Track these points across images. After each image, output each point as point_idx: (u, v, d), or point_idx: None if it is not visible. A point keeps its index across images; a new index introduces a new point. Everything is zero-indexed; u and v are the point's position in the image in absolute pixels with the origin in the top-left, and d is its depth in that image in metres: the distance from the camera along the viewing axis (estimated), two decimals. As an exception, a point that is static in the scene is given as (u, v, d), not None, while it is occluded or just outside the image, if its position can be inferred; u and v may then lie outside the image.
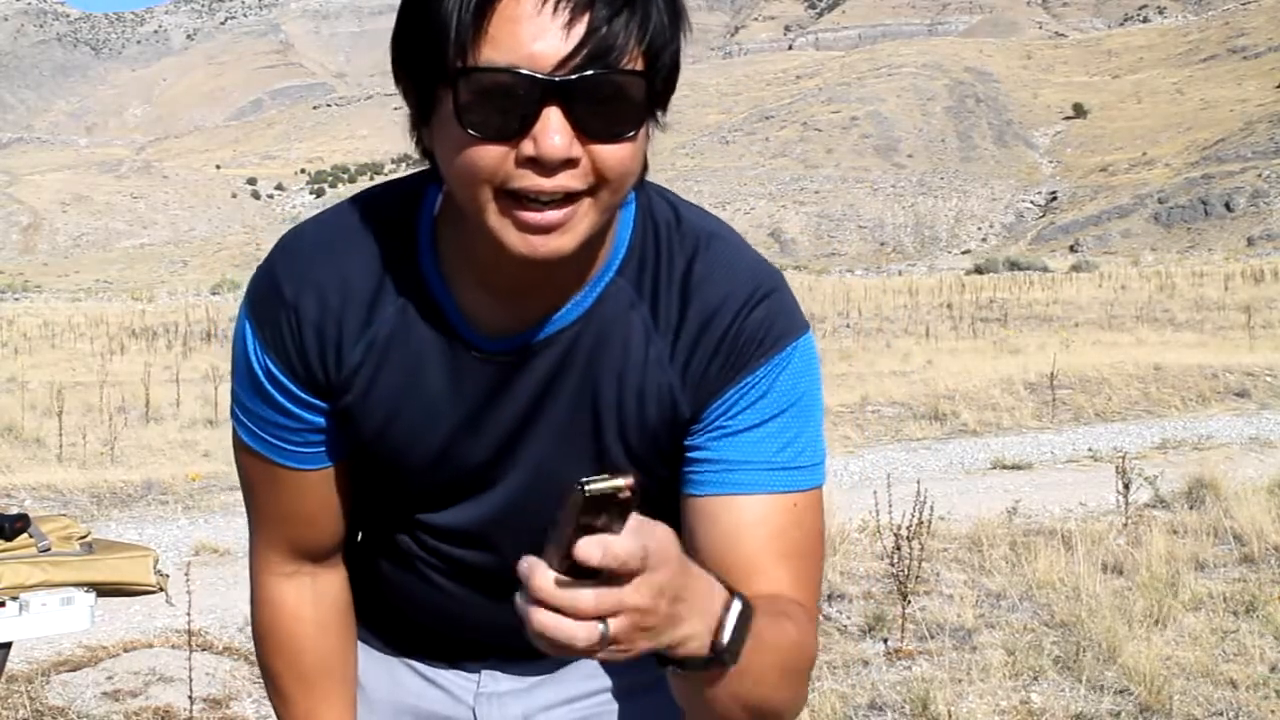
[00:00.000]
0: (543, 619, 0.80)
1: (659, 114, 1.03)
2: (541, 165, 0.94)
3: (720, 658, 0.91)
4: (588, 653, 0.82)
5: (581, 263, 1.08)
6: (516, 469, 1.15)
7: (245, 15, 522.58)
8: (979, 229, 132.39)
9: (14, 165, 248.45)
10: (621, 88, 0.95)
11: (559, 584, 0.80)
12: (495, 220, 0.98)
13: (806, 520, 1.10)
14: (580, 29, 0.93)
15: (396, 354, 1.12)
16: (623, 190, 1.01)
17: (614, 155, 0.96)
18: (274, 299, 1.13)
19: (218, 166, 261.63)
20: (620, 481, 0.79)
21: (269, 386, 1.15)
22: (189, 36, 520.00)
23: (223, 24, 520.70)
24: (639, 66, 0.96)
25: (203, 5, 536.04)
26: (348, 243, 1.13)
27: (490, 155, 0.95)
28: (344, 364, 1.13)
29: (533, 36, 0.93)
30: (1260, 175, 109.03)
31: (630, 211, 1.13)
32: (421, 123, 1.03)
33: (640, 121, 0.98)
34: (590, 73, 0.93)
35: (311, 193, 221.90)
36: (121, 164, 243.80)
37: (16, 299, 67.54)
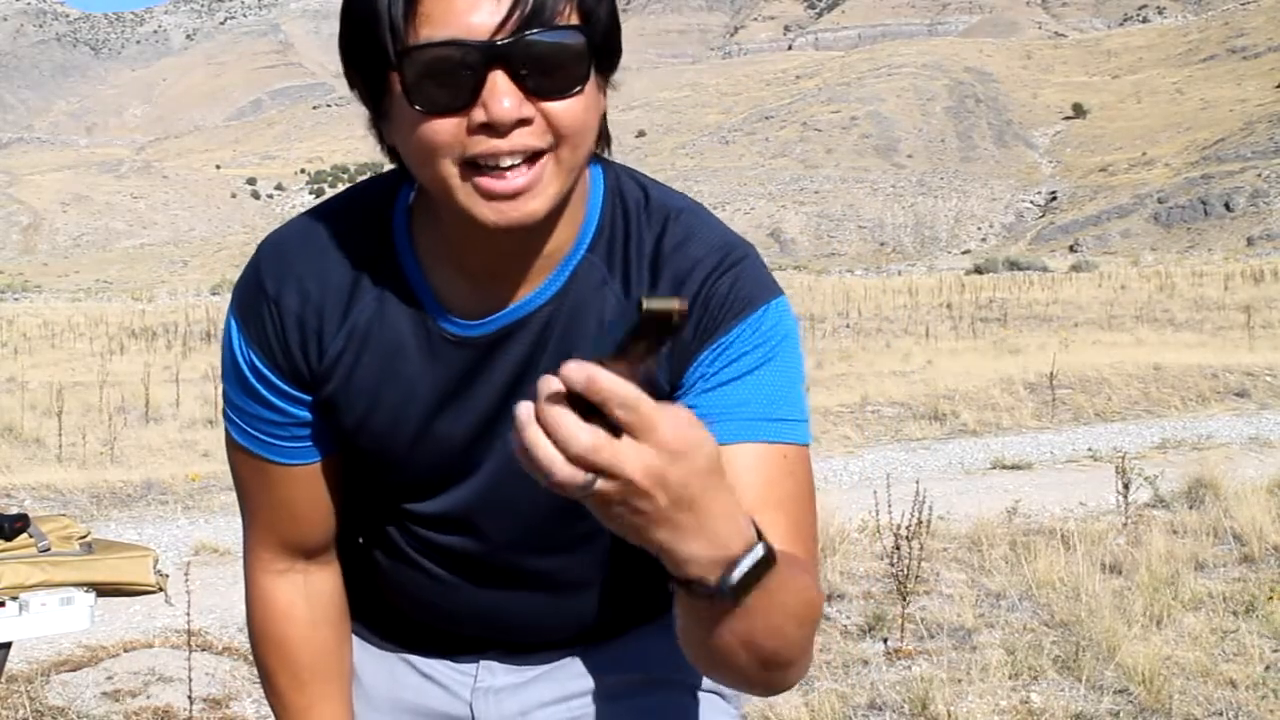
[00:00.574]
0: (533, 437, 0.77)
1: (608, 72, 1.05)
2: (495, 129, 0.96)
3: (723, 594, 0.87)
4: (563, 489, 0.78)
5: (552, 241, 1.09)
6: (496, 451, 1.16)
7: (245, 15, 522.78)
8: (979, 229, 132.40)
9: (14, 165, 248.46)
10: (561, 43, 0.97)
11: (563, 403, 0.76)
12: (463, 195, 0.99)
13: (799, 473, 1.09)
14: None
15: (375, 342, 1.14)
16: (582, 147, 1.02)
17: (566, 111, 0.98)
18: (257, 295, 1.16)
19: (218, 166, 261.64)
20: (675, 302, 0.73)
21: (254, 382, 1.17)
22: (189, 36, 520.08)
23: (223, 24, 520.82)
24: (575, 20, 0.99)
25: (203, 5, 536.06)
26: (326, 237, 1.16)
27: (444, 128, 0.98)
28: (325, 354, 1.15)
29: (466, 8, 0.96)
30: (1260, 175, 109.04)
31: (599, 191, 1.14)
32: (379, 118, 1.05)
33: (585, 75, 0.99)
34: (527, 33, 0.96)
35: (311, 193, 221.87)
36: (121, 164, 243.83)
37: (16, 299, 67.58)
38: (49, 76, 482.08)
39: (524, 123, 0.97)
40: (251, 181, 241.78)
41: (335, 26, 1.06)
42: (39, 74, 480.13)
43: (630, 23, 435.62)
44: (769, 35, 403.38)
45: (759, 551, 0.87)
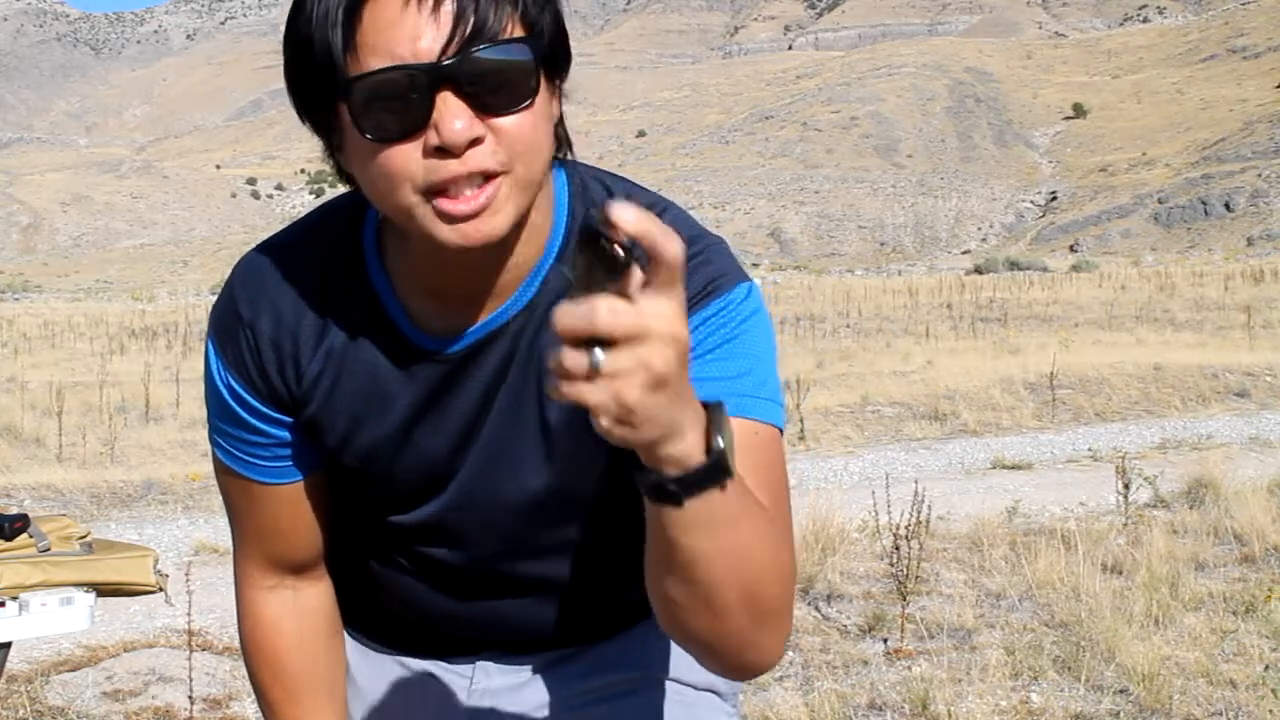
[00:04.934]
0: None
1: (557, 82, 1.04)
2: (449, 152, 0.95)
3: (718, 461, 0.83)
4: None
5: (519, 254, 1.09)
6: (474, 458, 1.17)
7: (245, 15, 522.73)
8: (979, 229, 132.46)
9: (14, 165, 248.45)
10: (507, 58, 0.97)
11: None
12: (424, 220, 0.98)
13: (771, 449, 1.05)
14: (449, 13, 0.95)
15: (352, 363, 1.15)
16: (537, 162, 1.01)
17: (516, 126, 0.97)
18: (232, 319, 1.16)
19: (218, 166, 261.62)
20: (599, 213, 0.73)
21: (234, 405, 1.18)
22: (189, 36, 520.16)
23: (223, 24, 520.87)
24: (519, 33, 0.98)
25: (203, 5, 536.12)
26: (299, 259, 1.16)
27: (398, 156, 0.97)
28: (303, 377, 1.16)
29: (408, 34, 0.95)
30: (1260, 175, 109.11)
31: (564, 198, 1.14)
32: (336, 150, 1.04)
33: (534, 88, 0.98)
34: (472, 50, 0.95)
35: (311, 193, 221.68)
36: (121, 164, 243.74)
37: (16, 299, 67.62)
38: (49, 76, 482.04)
39: (476, 142, 0.96)
40: (251, 181, 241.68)
41: (337, 25, 1.04)
42: (39, 74, 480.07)
43: (630, 23, 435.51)
44: (769, 35, 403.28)
45: (721, 412, 0.85)
